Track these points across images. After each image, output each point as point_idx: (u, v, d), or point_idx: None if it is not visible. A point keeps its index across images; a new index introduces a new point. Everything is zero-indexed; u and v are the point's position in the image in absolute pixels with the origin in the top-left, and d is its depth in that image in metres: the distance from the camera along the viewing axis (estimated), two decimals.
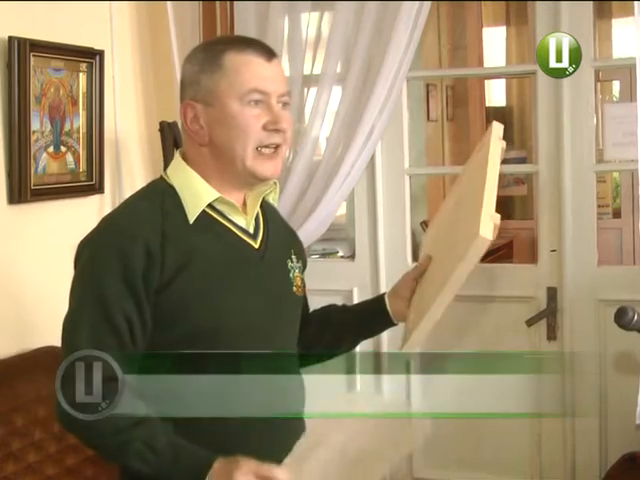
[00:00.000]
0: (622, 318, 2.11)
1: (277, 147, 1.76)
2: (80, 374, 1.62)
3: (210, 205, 1.76)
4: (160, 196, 1.75)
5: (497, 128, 1.97)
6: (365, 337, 2.09)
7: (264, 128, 1.73)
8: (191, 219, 1.73)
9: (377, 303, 2.01)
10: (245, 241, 1.80)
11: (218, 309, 1.71)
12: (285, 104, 1.78)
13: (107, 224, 1.77)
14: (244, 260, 1.78)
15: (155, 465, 1.59)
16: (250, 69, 1.73)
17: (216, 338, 1.71)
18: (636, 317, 2.11)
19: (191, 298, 1.69)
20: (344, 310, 2.08)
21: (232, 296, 1.73)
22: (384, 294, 2.03)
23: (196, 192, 1.76)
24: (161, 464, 1.59)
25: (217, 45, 1.81)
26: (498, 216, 1.65)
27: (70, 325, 1.71)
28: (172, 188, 1.77)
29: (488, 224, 1.62)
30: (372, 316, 2.02)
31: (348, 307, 2.11)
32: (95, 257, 1.70)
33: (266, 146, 1.74)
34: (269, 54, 1.77)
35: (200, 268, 1.70)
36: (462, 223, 1.82)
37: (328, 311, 2.06)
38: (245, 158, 1.73)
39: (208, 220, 1.76)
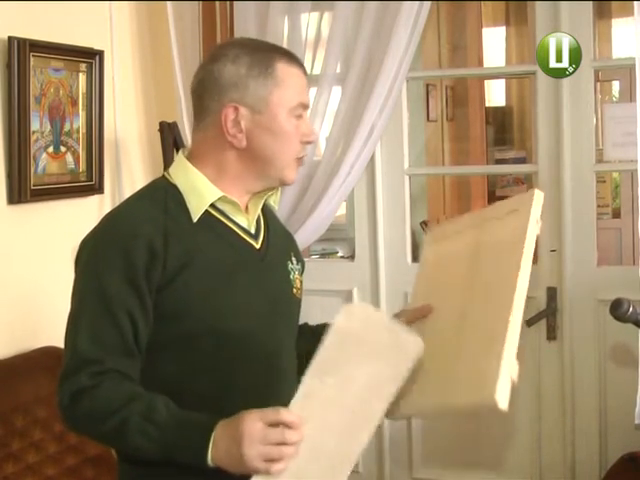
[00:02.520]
0: (617, 309, 2.12)
1: (302, 158, 1.83)
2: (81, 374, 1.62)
3: (212, 205, 1.76)
4: (162, 195, 1.75)
5: (537, 200, 1.74)
6: None
7: (300, 140, 1.78)
8: (195, 218, 1.73)
9: None
10: (247, 241, 1.80)
11: (219, 309, 1.71)
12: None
13: (108, 222, 1.76)
14: (246, 260, 1.78)
15: (158, 438, 1.56)
16: (298, 83, 1.78)
17: (217, 337, 1.71)
18: (631, 309, 2.11)
19: (193, 297, 1.68)
20: None
21: (233, 296, 1.73)
22: None
23: (200, 191, 1.76)
24: (163, 436, 1.55)
25: (263, 51, 1.79)
26: (517, 368, 1.42)
27: (71, 323, 1.69)
28: (174, 187, 1.77)
29: (505, 387, 1.39)
30: None
31: None
32: (96, 254, 1.70)
33: (300, 158, 1.81)
34: (305, 70, 1.83)
35: (202, 267, 1.70)
36: (474, 336, 1.61)
37: (318, 330, 2.03)
38: (285, 167, 1.77)
39: (210, 219, 1.76)
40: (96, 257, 1.69)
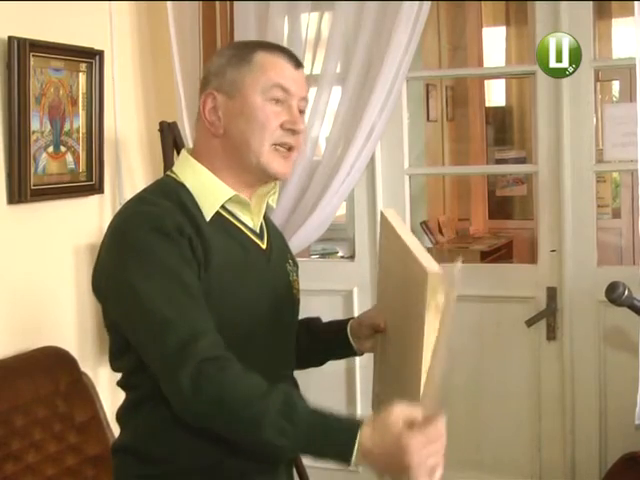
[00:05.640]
0: (613, 292, 2.13)
1: (290, 148, 1.77)
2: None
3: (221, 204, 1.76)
4: (175, 194, 1.73)
5: (432, 285, 1.46)
6: (333, 359, 2.07)
7: (282, 126, 1.74)
8: (208, 217, 1.72)
9: (342, 339, 1.96)
10: (254, 241, 1.80)
11: (234, 309, 1.71)
12: (301, 111, 1.80)
13: (135, 213, 1.69)
14: (254, 260, 1.78)
15: (293, 436, 1.47)
16: (277, 67, 1.75)
17: (228, 336, 1.69)
18: (627, 292, 2.12)
19: (211, 296, 1.66)
20: (312, 332, 2.01)
21: (246, 296, 1.73)
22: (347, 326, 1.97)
23: (210, 190, 1.75)
24: (302, 436, 1.47)
25: (248, 45, 1.84)
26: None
27: (144, 316, 1.59)
28: (184, 186, 1.76)
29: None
30: (337, 349, 2.00)
31: (316, 329, 2.02)
32: (138, 240, 1.63)
33: (281, 145, 1.75)
34: (297, 62, 1.79)
35: (218, 266, 1.68)
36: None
37: (310, 325, 2.02)
38: (260, 153, 1.74)
39: (221, 219, 1.75)
40: (142, 251, 1.62)
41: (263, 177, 1.78)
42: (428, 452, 1.41)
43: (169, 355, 1.54)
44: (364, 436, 1.44)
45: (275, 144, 1.74)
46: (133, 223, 1.67)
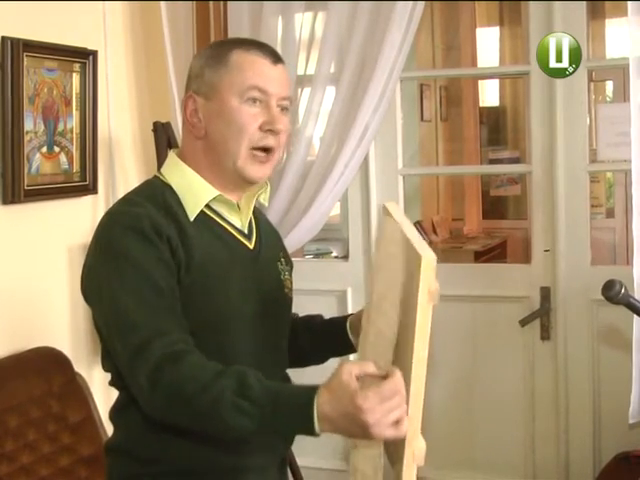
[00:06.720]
0: (610, 290, 2.13)
1: (270, 151, 1.75)
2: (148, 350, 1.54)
3: (207, 205, 1.75)
4: (161, 195, 1.74)
5: (426, 269, 1.40)
6: (334, 356, 2.06)
7: (260, 128, 1.73)
8: (192, 217, 1.72)
9: (341, 336, 1.95)
10: (241, 241, 1.80)
11: (218, 308, 1.71)
12: (284, 108, 1.77)
13: (116, 213, 1.72)
14: (241, 260, 1.78)
15: (252, 414, 1.45)
16: (254, 67, 1.73)
17: (214, 336, 1.70)
18: (623, 290, 2.12)
19: (193, 295, 1.67)
20: (312, 330, 2.01)
21: (231, 295, 1.73)
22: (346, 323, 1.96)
23: (195, 190, 1.75)
24: (258, 411, 1.45)
25: (225, 44, 1.84)
26: (423, 445, 1.53)
27: (116, 314, 1.60)
28: (170, 187, 1.76)
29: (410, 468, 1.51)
30: (337, 346, 1.99)
31: (315, 326, 2.02)
32: (116, 248, 1.64)
33: (260, 148, 1.74)
34: (275, 58, 1.77)
35: (202, 267, 1.69)
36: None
37: (297, 325, 2.01)
38: (237, 157, 1.73)
39: (206, 219, 1.75)
40: (113, 243, 1.65)
41: (239, 181, 1.77)
42: (385, 408, 1.39)
43: (131, 357, 1.56)
44: (321, 401, 1.42)
45: (254, 148, 1.73)
46: (113, 224, 1.69)
